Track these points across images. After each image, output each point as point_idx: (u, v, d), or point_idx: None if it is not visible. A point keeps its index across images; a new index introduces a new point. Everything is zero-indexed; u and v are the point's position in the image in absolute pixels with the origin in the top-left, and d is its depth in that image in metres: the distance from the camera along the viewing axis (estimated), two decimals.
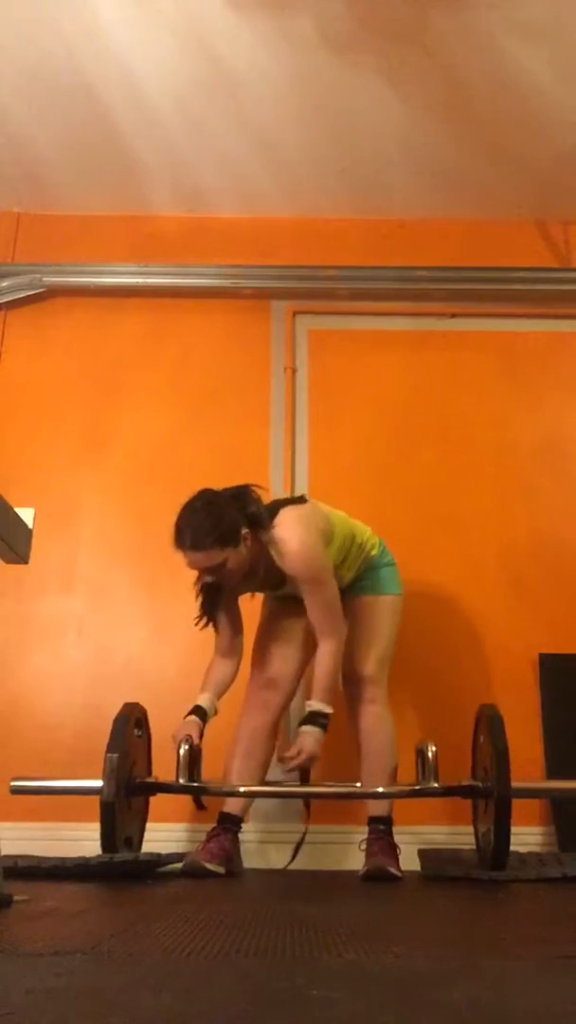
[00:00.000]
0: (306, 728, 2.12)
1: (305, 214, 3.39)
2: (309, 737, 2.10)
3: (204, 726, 2.21)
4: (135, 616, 2.93)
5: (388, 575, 2.41)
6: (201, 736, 2.20)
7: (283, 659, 2.35)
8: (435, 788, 2.14)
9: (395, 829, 2.25)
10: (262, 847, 2.61)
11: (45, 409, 3.17)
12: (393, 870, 2.10)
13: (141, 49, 2.67)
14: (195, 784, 2.15)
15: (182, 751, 2.15)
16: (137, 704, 2.32)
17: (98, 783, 2.05)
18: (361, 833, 2.42)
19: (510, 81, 2.76)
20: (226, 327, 3.27)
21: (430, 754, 2.16)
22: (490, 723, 2.17)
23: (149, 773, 2.36)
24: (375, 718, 2.27)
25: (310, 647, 2.28)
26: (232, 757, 2.26)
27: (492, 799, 2.07)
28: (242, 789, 2.20)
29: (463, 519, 3.02)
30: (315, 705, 2.14)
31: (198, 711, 2.23)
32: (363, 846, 2.21)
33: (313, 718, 2.12)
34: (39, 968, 0.94)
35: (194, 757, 2.16)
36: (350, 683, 2.30)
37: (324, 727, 2.11)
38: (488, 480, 3.08)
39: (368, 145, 3.05)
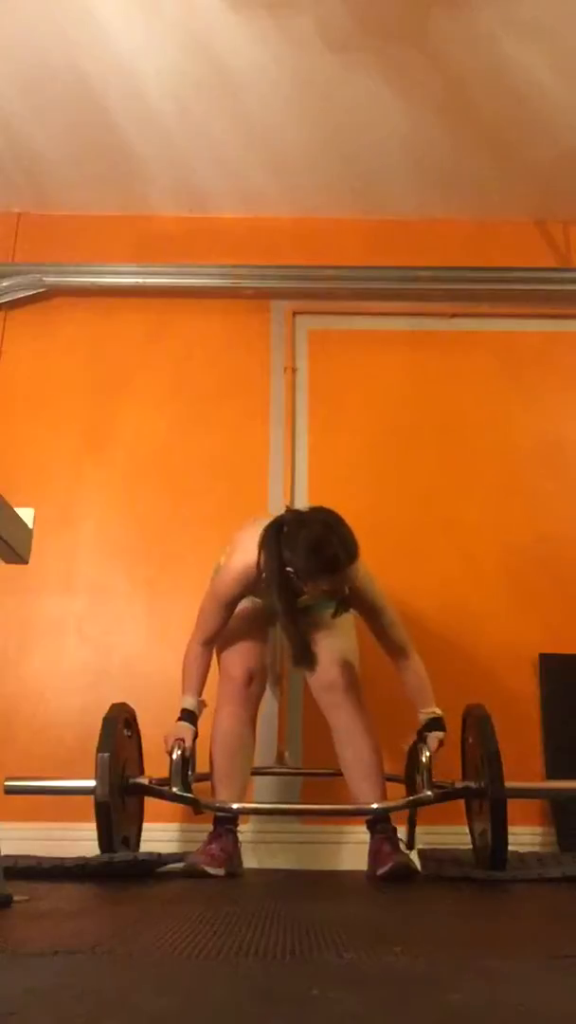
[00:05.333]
0: (435, 733, 2.21)
1: (305, 214, 3.39)
2: (436, 739, 2.21)
3: (196, 729, 2.21)
4: (135, 616, 2.93)
5: None
6: (195, 737, 2.20)
7: (259, 655, 2.35)
8: (428, 797, 2.14)
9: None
10: (261, 847, 2.61)
11: (45, 409, 3.17)
12: (414, 867, 2.13)
13: (141, 49, 2.67)
14: (188, 796, 2.15)
15: (175, 756, 2.15)
16: (125, 704, 2.32)
17: (91, 783, 2.05)
18: (352, 832, 2.43)
19: (510, 81, 2.76)
20: (226, 327, 3.27)
21: (424, 758, 2.15)
22: (478, 723, 2.17)
23: (141, 772, 2.36)
24: (357, 720, 2.25)
25: (271, 645, 2.42)
26: (217, 756, 2.24)
27: (487, 799, 2.07)
28: (235, 806, 2.19)
29: (463, 519, 3.03)
30: (437, 711, 2.25)
31: (188, 716, 2.21)
32: (371, 849, 2.19)
33: (437, 723, 2.23)
34: (39, 968, 0.94)
35: (186, 763, 2.15)
36: (328, 691, 2.29)
37: (444, 728, 2.25)
38: (488, 480, 3.08)
39: (368, 145, 3.05)
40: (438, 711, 2.25)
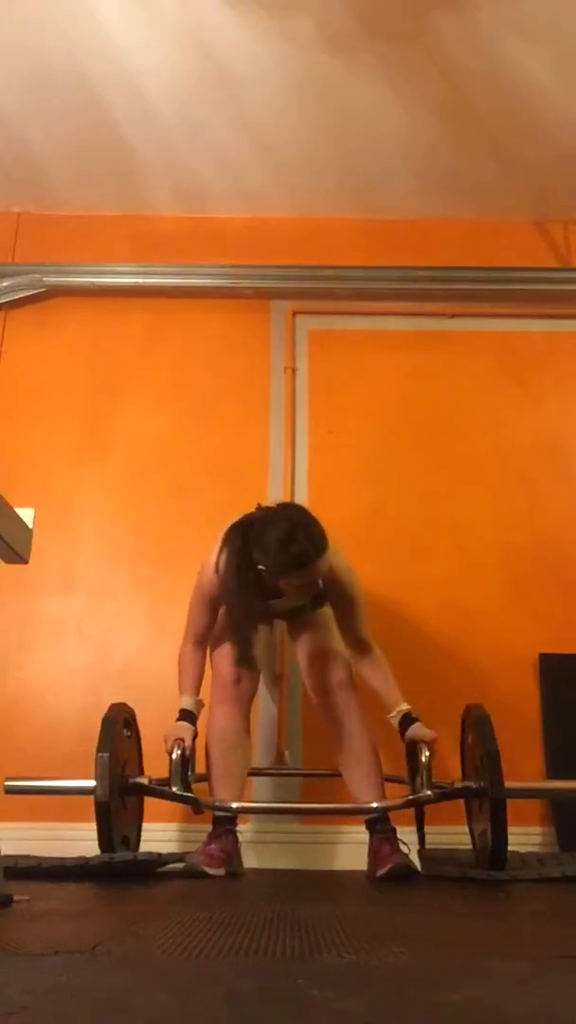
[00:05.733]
0: (417, 725, 2.20)
1: (305, 214, 3.39)
2: (423, 729, 2.19)
3: (195, 728, 2.21)
4: (135, 616, 2.93)
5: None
6: (195, 737, 2.20)
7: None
8: (428, 797, 2.14)
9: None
10: (261, 847, 2.61)
11: (45, 409, 3.17)
12: (414, 867, 2.13)
13: (141, 49, 2.67)
14: (188, 796, 2.15)
15: (174, 756, 2.15)
16: (125, 704, 2.33)
17: (91, 783, 2.05)
18: (351, 832, 2.43)
19: (510, 81, 2.76)
20: (226, 327, 3.27)
21: (423, 758, 2.15)
22: (478, 723, 2.17)
23: (141, 772, 2.36)
24: (354, 721, 2.26)
25: (262, 644, 2.42)
26: (213, 756, 2.24)
27: (486, 800, 2.07)
28: (235, 805, 2.19)
29: (463, 519, 3.02)
30: (405, 706, 2.23)
31: (187, 716, 2.21)
32: (371, 849, 2.19)
33: (411, 717, 2.22)
34: (39, 968, 0.94)
35: (186, 763, 2.15)
36: (325, 692, 2.29)
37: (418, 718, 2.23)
38: (488, 480, 3.08)
39: (368, 145, 3.05)
40: (407, 705, 2.24)
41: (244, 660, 2.24)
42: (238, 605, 2.20)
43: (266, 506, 2.28)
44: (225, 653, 2.33)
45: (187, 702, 2.23)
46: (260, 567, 2.13)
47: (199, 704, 2.26)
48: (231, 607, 2.22)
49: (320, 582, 2.19)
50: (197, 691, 2.27)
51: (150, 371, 3.22)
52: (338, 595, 2.28)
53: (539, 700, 2.79)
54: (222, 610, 2.32)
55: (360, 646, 2.30)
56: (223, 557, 2.20)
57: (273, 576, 2.12)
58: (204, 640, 2.31)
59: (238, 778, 2.26)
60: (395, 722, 2.23)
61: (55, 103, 2.88)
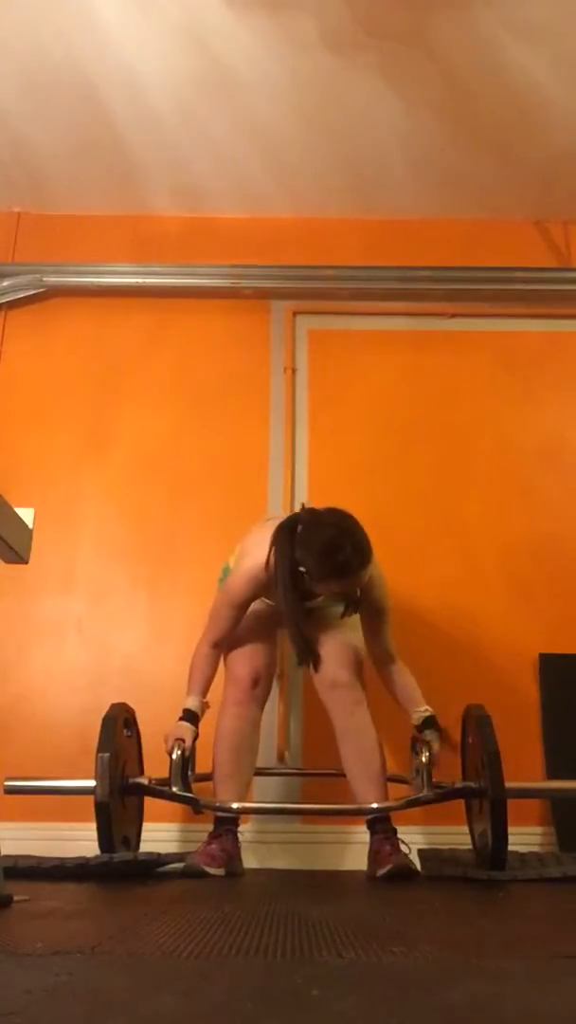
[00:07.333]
0: (431, 732, 2.22)
1: (305, 214, 3.39)
2: (438, 741, 2.22)
3: (197, 729, 2.21)
4: (135, 616, 2.93)
5: None
6: (196, 738, 2.20)
7: (266, 657, 2.35)
8: (429, 796, 2.14)
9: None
10: (261, 847, 2.61)
11: (45, 409, 3.17)
12: (414, 867, 2.13)
13: (141, 48, 2.67)
14: (188, 796, 2.15)
15: (174, 756, 2.14)
16: (125, 704, 2.32)
17: (91, 783, 2.05)
18: (352, 832, 2.42)
19: (510, 81, 2.76)
20: (226, 327, 3.28)
21: (424, 758, 2.15)
22: (478, 723, 2.17)
23: (141, 772, 2.36)
24: (360, 719, 2.25)
25: (278, 647, 2.43)
26: (220, 755, 2.23)
27: (487, 799, 2.07)
28: (235, 806, 2.18)
29: (463, 519, 3.03)
30: (429, 709, 2.26)
31: (190, 716, 2.21)
32: (373, 849, 2.19)
33: (432, 721, 2.24)
34: (39, 968, 0.94)
35: (186, 763, 2.15)
36: (333, 688, 2.29)
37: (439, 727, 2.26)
38: (488, 480, 3.08)
39: (368, 145, 3.05)
40: (430, 709, 2.26)
41: (310, 660, 2.24)
42: (292, 609, 2.17)
43: (311, 508, 2.27)
44: (242, 654, 2.32)
45: (192, 702, 2.23)
46: (301, 568, 2.12)
47: (204, 705, 2.25)
48: (286, 612, 2.19)
49: (358, 591, 2.19)
50: (205, 692, 2.26)
51: (150, 371, 3.22)
52: (370, 603, 2.28)
53: (539, 700, 2.80)
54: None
55: (386, 655, 2.32)
56: (273, 556, 2.18)
57: (314, 580, 2.11)
58: (223, 643, 2.30)
59: (243, 779, 2.25)
60: (418, 718, 2.24)
61: (55, 103, 2.88)
